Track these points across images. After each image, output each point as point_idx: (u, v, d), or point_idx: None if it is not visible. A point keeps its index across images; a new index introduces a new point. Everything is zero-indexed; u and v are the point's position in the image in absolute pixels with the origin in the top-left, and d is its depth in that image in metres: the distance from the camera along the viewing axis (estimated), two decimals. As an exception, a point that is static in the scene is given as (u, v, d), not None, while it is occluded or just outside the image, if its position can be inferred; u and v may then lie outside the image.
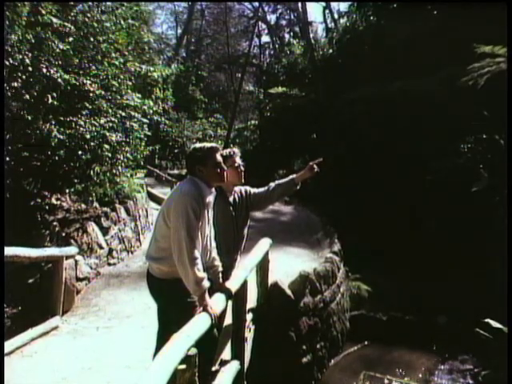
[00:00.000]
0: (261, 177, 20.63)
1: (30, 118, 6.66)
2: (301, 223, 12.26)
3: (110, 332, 5.05)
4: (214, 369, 3.73)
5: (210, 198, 3.17)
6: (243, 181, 3.86)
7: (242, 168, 3.80)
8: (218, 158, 3.15)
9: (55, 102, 6.78)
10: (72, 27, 7.52)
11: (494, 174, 10.09)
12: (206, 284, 2.96)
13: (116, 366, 4.19)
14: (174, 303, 3.03)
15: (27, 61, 6.55)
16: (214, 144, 3.25)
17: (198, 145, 3.22)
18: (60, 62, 7.21)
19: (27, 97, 6.67)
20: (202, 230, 3.08)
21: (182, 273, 2.89)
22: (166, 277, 3.03)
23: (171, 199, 3.05)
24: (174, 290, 2.99)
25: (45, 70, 6.71)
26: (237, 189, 3.94)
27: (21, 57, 6.48)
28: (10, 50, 6.27)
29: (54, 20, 6.98)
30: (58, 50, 6.96)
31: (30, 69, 6.69)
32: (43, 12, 7.01)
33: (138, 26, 10.46)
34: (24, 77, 6.63)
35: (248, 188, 4.02)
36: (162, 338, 2.70)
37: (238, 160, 3.79)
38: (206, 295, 2.94)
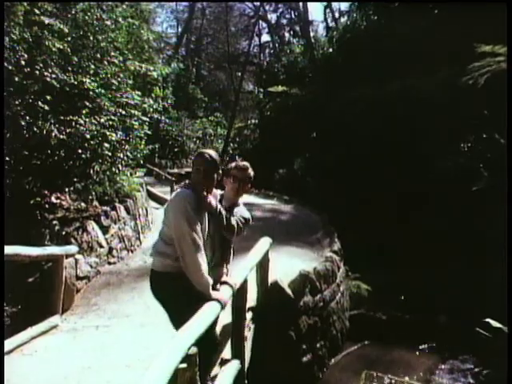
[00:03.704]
0: (261, 176, 20.71)
1: (25, 120, 6.64)
2: (301, 222, 12.24)
3: (109, 331, 5.04)
4: (214, 369, 3.73)
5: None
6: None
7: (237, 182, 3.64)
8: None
9: (46, 107, 6.75)
10: (69, 27, 7.50)
11: (494, 173, 10.09)
12: (210, 280, 3.08)
13: (116, 365, 4.19)
14: (178, 296, 3.08)
15: (22, 62, 6.53)
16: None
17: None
18: (58, 62, 7.19)
19: (18, 102, 6.64)
20: (202, 231, 3.16)
21: (189, 269, 3.00)
22: (172, 270, 3.11)
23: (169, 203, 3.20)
24: (178, 283, 3.06)
25: (38, 72, 6.68)
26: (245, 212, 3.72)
27: (16, 58, 6.46)
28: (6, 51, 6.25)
29: (47, 21, 6.94)
30: (54, 50, 6.94)
31: (26, 70, 6.68)
32: (37, 12, 6.97)
33: (137, 24, 10.43)
34: (18, 79, 6.60)
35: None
36: None
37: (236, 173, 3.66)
38: (210, 289, 3.07)
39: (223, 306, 3.08)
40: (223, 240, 3.58)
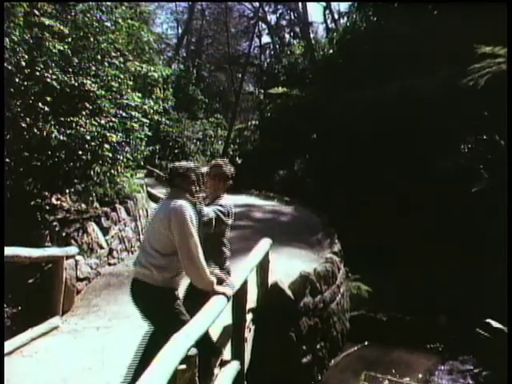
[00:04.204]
0: (261, 177, 20.70)
1: (25, 121, 6.65)
2: (301, 223, 12.25)
3: (110, 332, 5.05)
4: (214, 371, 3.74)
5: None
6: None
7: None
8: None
9: (46, 108, 6.76)
10: (69, 28, 7.52)
11: (494, 174, 10.09)
12: (214, 278, 3.32)
13: (116, 366, 4.18)
14: (170, 310, 3.25)
15: (23, 63, 6.54)
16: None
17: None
18: (58, 63, 7.20)
19: (18, 103, 6.65)
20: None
21: (195, 272, 3.18)
22: (165, 285, 3.25)
23: (168, 212, 3.22)
24: (170, 298, 3.29)
25: (38, 74, 6.70)
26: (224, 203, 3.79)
27: (17, 59, 6.47)
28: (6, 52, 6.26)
29: (47, 22, 6.96)
30: (55, 51, 6.95)
31: (26, 71, 6.69)
32: (37, 13, 6.99)
33: (138, 25, 10.43)
34: (19, 80, 6.61)
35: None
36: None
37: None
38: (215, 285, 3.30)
39: (228, 299, 3.36)
40: (212, 246, 3.63)
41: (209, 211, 3.55)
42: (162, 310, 3.25)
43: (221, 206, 3.68)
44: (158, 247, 3.22)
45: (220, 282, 3.47)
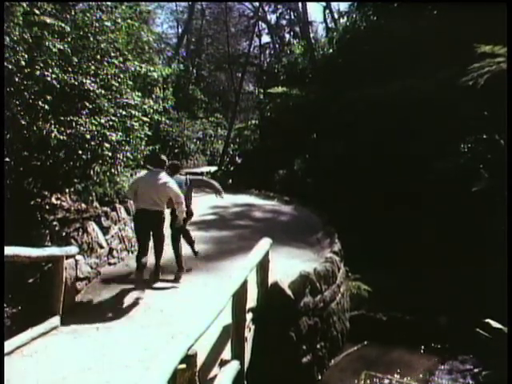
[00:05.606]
0: (260, 177, 20.69)
1: (25, 120, 6.64)
2: (301, 223, 12.24)
3: (109, 332, 5.05)
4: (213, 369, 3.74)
5: None
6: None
7: None
8: None
9: (46, 107, 6.76)
10: (69, 27, 7.51)
11: (494, 174, 10.09)
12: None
13: (116, 365, 4.20)
14: (163, 222, 6.35)
15: (22, 62, 6.53)
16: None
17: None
18: (58, 62, 7.20)
19: (18, 102, 6.64)
20: None
21: (180, 208, 6.30)
22: (163, 211, 6.27)
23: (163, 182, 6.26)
24: (164, 216, 6.37)
25: (38, 73, 6.69)
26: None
27: (16, 58, 6.46)
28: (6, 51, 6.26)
29: (48, 20, 6.95)
30: (54, 50, 6.94)
31: (26, 70, 6.69)
32: (37, 12, 6.99)
33: (137, 25, 10.42)
34: (18, 79, 6.60)
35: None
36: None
37: None
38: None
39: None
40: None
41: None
42: (162, 222, 6.29)
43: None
44: (164, 199, 6.18)
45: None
